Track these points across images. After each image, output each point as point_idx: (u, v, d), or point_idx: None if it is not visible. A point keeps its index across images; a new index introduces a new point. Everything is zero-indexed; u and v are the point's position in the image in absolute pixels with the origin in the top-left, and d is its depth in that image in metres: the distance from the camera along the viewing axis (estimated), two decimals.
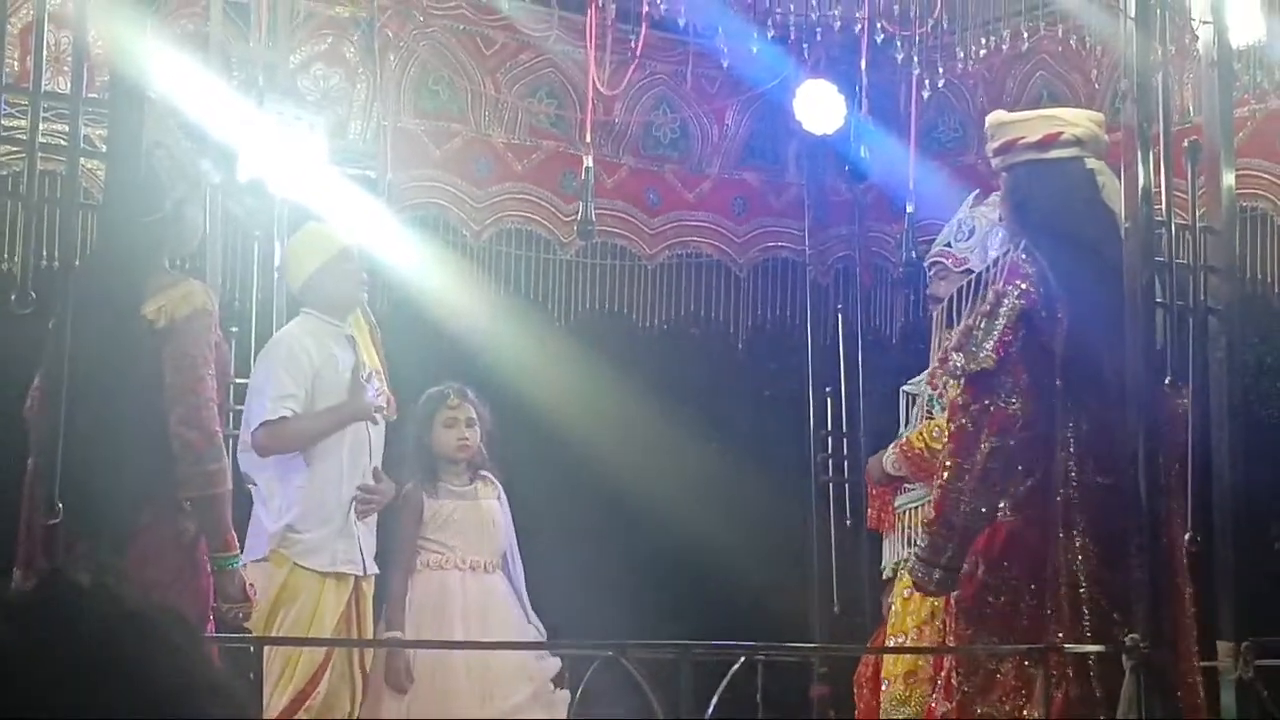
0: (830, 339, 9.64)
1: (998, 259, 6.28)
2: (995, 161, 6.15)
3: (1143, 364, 5.65)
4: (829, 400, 9.45)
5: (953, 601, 6.17)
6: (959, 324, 6.17)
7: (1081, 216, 5.89)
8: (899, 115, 8.92)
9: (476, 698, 7.13)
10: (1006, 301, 5.76)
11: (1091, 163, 5.97)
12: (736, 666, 5.97)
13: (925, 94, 8.38)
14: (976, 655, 5.76)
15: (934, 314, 7.51)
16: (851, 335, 9.59)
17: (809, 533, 9.33)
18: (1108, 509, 5.65)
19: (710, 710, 5.87)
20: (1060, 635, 5.60)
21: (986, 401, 5.72)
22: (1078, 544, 5.63)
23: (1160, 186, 5.84)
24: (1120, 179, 5.79)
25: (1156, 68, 5.88)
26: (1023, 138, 6.01)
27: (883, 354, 9.46)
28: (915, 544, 6.60)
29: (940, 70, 8.25)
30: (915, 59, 8.16)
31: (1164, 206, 5.83)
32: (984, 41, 8.01)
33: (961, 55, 8.06)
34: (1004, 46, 8.05)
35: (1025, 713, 5.61)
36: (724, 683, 5.92)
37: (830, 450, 9.46)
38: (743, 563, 8.85)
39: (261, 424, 6.77)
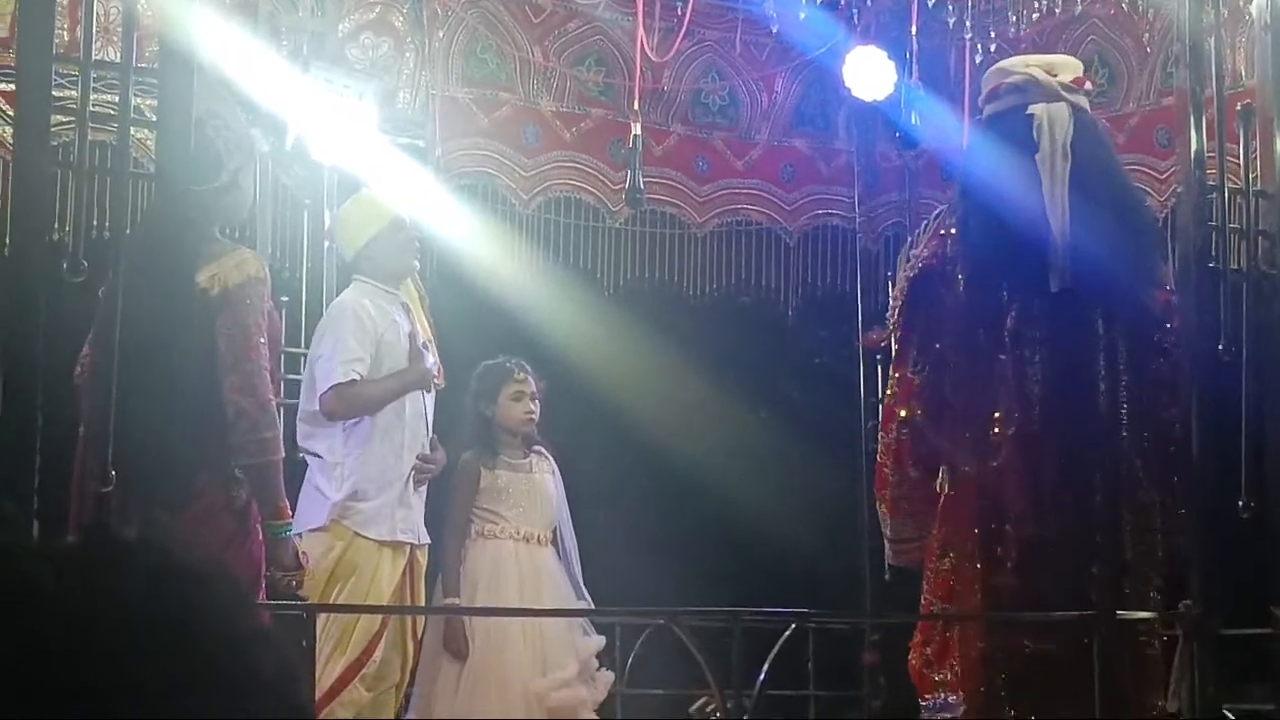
0: (881, 306, 9.60)
1: (926, 223, 6.22)
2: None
3: (1196, 330, 5.62)
4: (879, 368, 9.42)
5: None
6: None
7: (1013, 166, 5.81)
8: (949, 81, 8.88)
9: (533, 666, 7.16)
10: (903, 270, 5.74)
11: (1035, 108, 5.88)
12: (788, 634, 5.98)
13: (976, 59, 8.34)
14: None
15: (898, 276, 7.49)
16: None
17: (859, 500, 9.31)
18: (1033, 466, 5.59)
19: (761, 677, 5.88)
20: (976, 595, 5.56)
21: (901, 371, 5.70)
22: (1000, 504, 5.58)
23: (1214, 151, 5.80)
24: (1173, 143, 5.76)
25: (1209, 31, 5.83)
26: (981, 96, 6.01)
27: None
28: None
29: (991, 35, 8.21)
30: (966, 23, 8.12)
31: (1217, 171, 5.79)
32: (1036, 5, 7.97)
33: (1013, 19, 8.02)
34: (1056, 10, 8.01)
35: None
36: (775, 649, 5.93)
37: (880, 417, 9.43)
38: (793, 531, 8.85)
39: (331, 387, 6.75)
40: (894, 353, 5.76)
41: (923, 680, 5.75)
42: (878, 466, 5.87)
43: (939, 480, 5.77)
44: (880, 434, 5.82)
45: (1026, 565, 5.56)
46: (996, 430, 5.60)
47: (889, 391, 5.79)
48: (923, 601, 5.90)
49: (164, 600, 0.99)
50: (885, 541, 5.91)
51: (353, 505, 6.73)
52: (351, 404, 6.79)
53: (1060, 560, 5.59)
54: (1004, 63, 6.27)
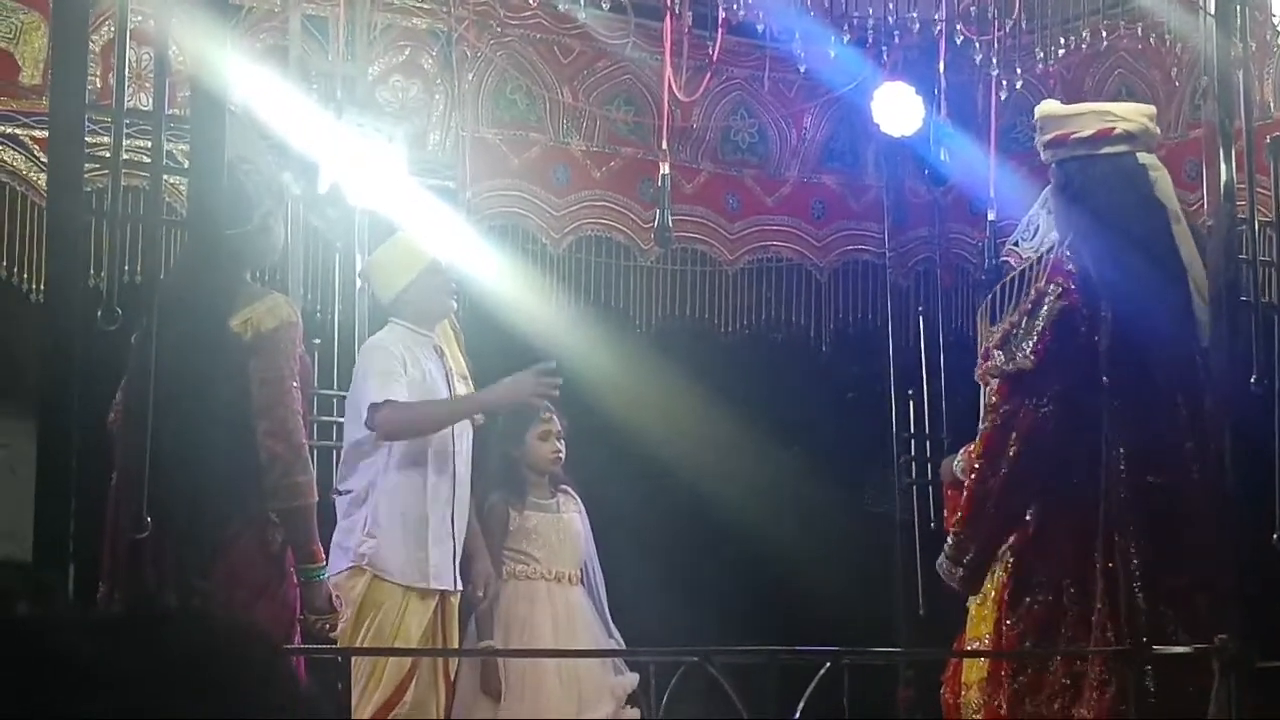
0: (912, 341, 9.61)
1: (1042, 256, 6.21)
2: (1045, 155, 6.09)
3: (1227, 362, 5.61)
4: (911, 403, 9.42)
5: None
6: (1002, 321, 6.13)
7: (1131, 213, 5.83)
8: (977, 116, 8.89)
9: (569, 708, 7.16)
10: (1047, 301, 5.71)
11: (1144, 157, 5.91)
12: (823, 671, 5.96)
13: (1003, 95, 8.35)
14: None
15: (978, 310, 7.46)
16: (933, 337, 9.56)
17: (893, 535, 9.29)
18: (1159, 509, 5.60)
19: (797, 715, 5.86)
20: (1111, 636, 5.55)
21: (1020, 403, 5.68)
22: (1131, 545, 5.58)
23: (1243, 183, 5.79)
24: (1202, 176, 5.76)
25: (1237, 64, 5.83)
26: (1074, 132, 5.95)
27: (965, 355, 9.38)
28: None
29: (1018, 70, 8.22)
30: (993, 60, 8.14)
31: (1247, 204, 5.79)
32: (1063, 41, 7.98)
33: (1040, 55, 8.03)
34: (1083, 46, 8.01)
35: (1074, 711, 5.57)
36: (811, 687, 5.91)
37: (913, 452, 9.42)
38: (827, 566, 8.83)
39: (385, 402, 6.71)
40: (1009, 382, 5.73)
41: (1017, 712, 5.73)
42: (970, 493, 5.80)
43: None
44: (980, 461, 5.77)
45: (1168, 605, 5.57)
46: (1133, 471, 5.62)
47: (998, 422, 5.74)
48: (1006, 634, 5.89)
49: (203, 672, 1.00)
50: (959, 570, 5.86)
51: (370, 545, 6.71)
52: (410, 418, 6.76)
53: (1197, 601, 5.61)
54: (1108, 106, 6.29)
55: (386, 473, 6.80)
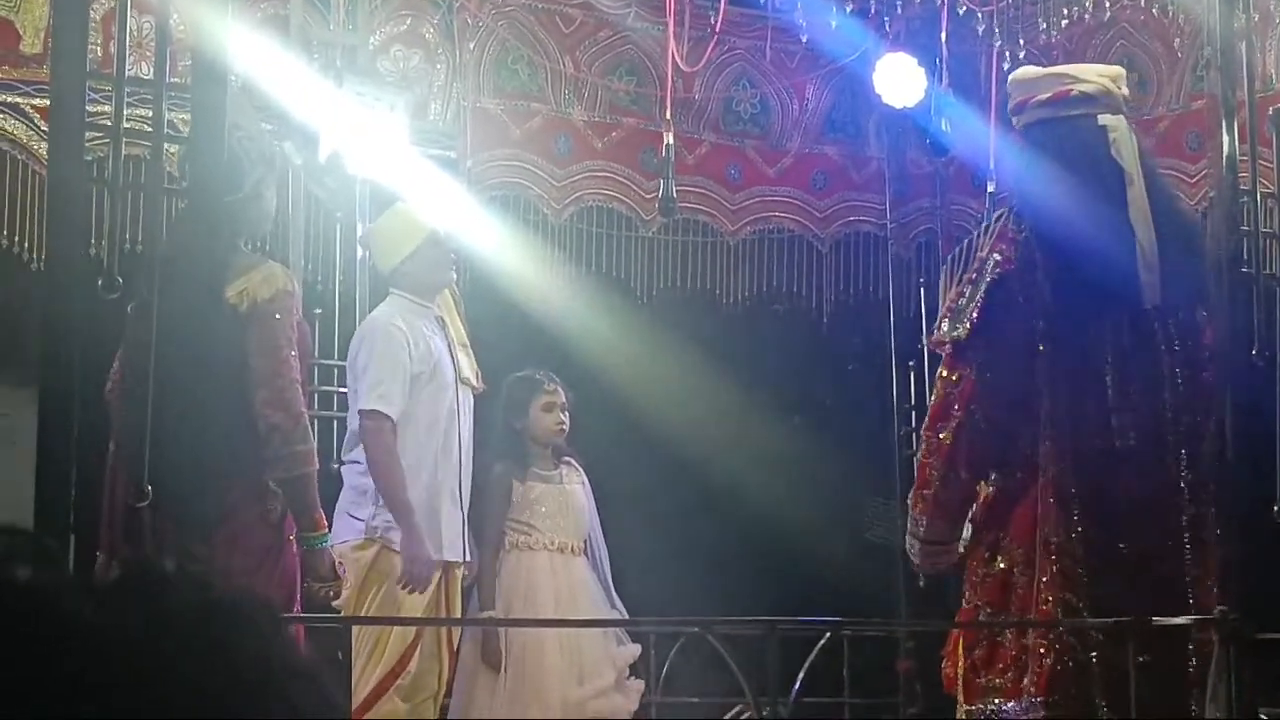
0: (913, 312, 9.61)
1: (988, 224, 6.16)
2: (1014, 121, 6.07)
3: (1228, 335, 5.61)
4: (912, 374, 9.42)
5: None
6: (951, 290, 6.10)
7: (1083, 175, 5.77)
8: (979, 87, 8.88)
9: (570, 678, 7.18)
10: (988, 269, 5.69)
11: (1104, 118, 5.85)
12: (823, 642, 5.97)
13: (1006, 66, 8.33)
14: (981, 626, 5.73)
15: (940, 278, 7.42)
16: (934, 309, 9.54)
17: (892, 507, 9.30)
18: (1100, 477, 5.58)
19: (797, 685, 5.88)
20: (1049, 604, 5.53)
21: (962, 372, 5.66)
22: (1074, 513, 5.56)
23: (1245, 155, 5.78)
24: (1204, 147, 5.74)
25: (1240, 35, 5.82)
26: (1033, 96, 5.92)
27: None
28: None
29: (1021, 41, 8.21)
30: (996, 31, 8.12)
31: (1249, 175, 5.78)
32: (1065, 12, 7.97)
33: (1043, 25, 8.01)
34: (1086, 16, 8.00)
35: (1024, 683, 5.56)
36: (810, 658, 5.93)
37: (914, 424, 9.42)
38: (826, 538, 8.85)
39: (360, 411, 6.77)
40: (952, 351, 5.71)
41: (970, 686, 5.72)
42: (920, 466, 5.82)
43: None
44: (926, 433, 5.76)
45: (1104, 575, 5.55)
46: (1069, 438, 5.59)
47: (942, 391, 5.73)
48: (966, 607, 5.88)
49: (202, 634, 1.00)
50: (915, 544, 5.86)
51: (386, 519, 6.73)
52: (378, 442, 6.76)
53: (1137, 570, 5.58)
54: (1067, 68, 6.22)
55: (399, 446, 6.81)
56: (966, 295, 5.69)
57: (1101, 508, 5.55)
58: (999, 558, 5.68)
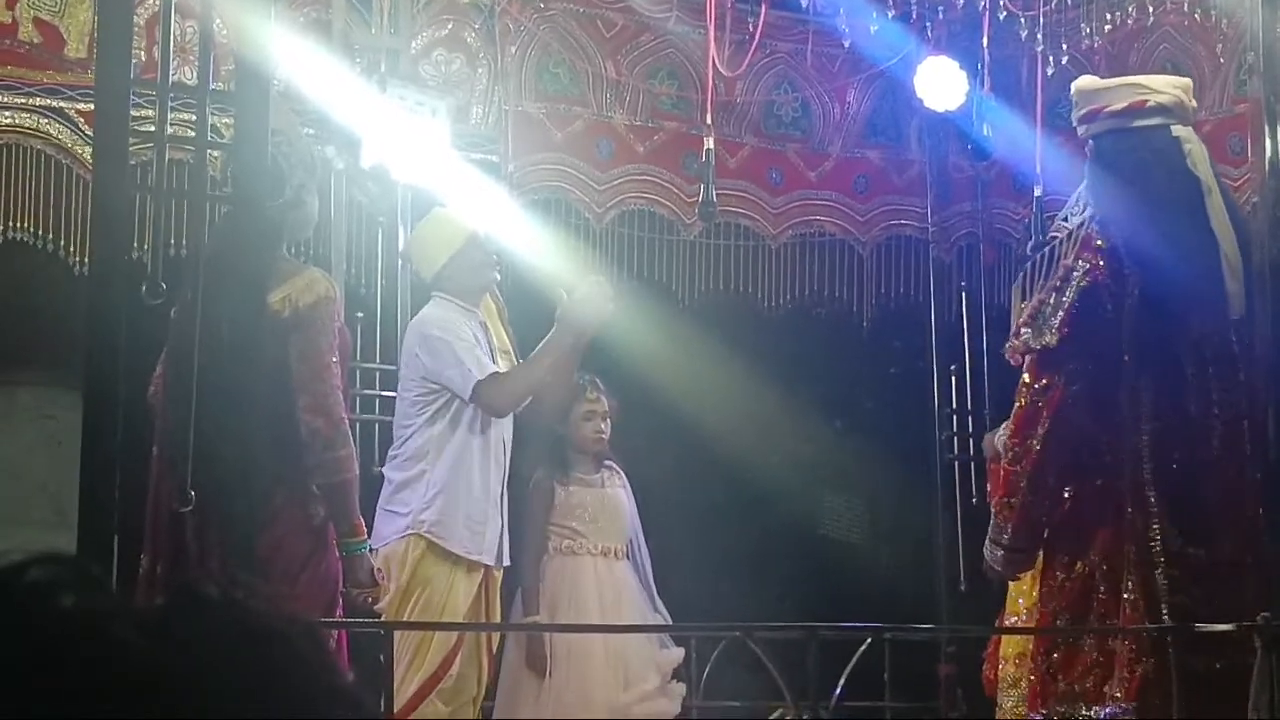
0: (955, 317, 9.59)
1: (1072, 232, 6.18)
2: (1080, 130, 6.06)
3: (1270, 337, 5.59)
4: (953, 378, 9.40)
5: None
6: (1032, 297, 6.09)
7: (1163, 186, 5.78)
8: (1021, 91, 8.86)
9: (615, 683, 7.19)
10: (1074, 278, 5.68)
11: (1178, 130, 5.85)
12: (864, 647, 5.96)
13: (1049, 71, 8.31)
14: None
15: (1013, 286, 7.41)
16: (976, 313, 9.53)
17: (934, 511, 9.29)
18: (1185, 486, 5.58)
19: (837, 690, 5.87)
20: (1139, 615, 5.54)
21: (1048, 381, 5.66)
22: (1156, 524, 5.56)
23: None
24: (1247, 151, 5.72)
25: None
26: (1107, 106, 5.91)
27: (1007, 332, 9.37)
28: None
29: (1064, 46, 8.18)
30: (1038, 35, 8.10)
31: None
32: (1108, 16, 7.94)
33: (1086, 30, 7.99)
34: (1129, 21, 7.97)
35: (1106, 689, 5.56)
36: (851, 663, 5.92)
37: (955, 428, 9.41)
38: (868, 542, 8.84)
39: (490, 377, 6.80)
40: (1038, 359, 5.71)
41: (1047, 691, 5.72)
42: (1006, 474, 5.81)
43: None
44: (1011, 441, 5.76)
45: (1187, 583, 5.56)
46: (1154, 447, 5.60)
47: (1029, 399, 5.73)
48: (1043, 611, 5.89)
49: (244, 668, 1.00)
50: (999, 552, 5.85)
51: (433, 513, 6.73)
52: (515, 386, 6.89)
53: (1220, 578, 5.60)
54: (1140, 79, 6.22)
55: (444, 445, 6.82)
56: (1050, 303, 5.69)
57: (1185, 516, 5.56)
58: (1079, 564, 5.69)
